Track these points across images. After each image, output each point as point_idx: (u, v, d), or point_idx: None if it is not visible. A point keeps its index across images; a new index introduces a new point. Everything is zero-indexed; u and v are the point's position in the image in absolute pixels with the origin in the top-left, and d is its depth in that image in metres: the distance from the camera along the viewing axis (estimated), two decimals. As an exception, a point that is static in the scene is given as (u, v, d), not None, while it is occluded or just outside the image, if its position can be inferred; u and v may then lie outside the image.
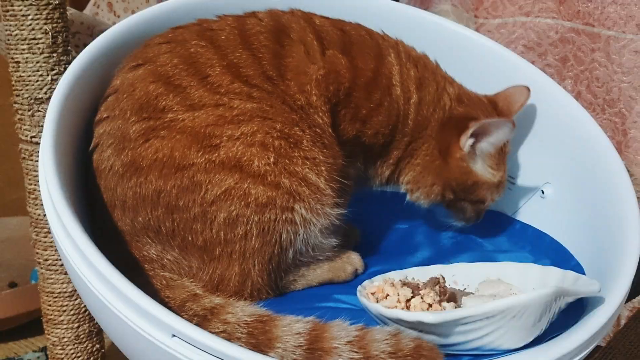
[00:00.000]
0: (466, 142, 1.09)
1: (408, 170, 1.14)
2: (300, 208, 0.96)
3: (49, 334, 1.34)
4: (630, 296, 1.04)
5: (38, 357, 1.75)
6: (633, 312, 1.35)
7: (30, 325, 1.78)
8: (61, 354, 1.34)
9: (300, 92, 1.01)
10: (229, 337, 0.85)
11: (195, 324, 0.86)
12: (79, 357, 1.35)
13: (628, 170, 1.40)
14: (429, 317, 0.81)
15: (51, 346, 1.35)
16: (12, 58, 1.23)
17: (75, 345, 1.34)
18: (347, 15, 1.15)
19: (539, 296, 0.82)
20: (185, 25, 1.06)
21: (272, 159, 0.94)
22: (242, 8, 1.09)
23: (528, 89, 1.19)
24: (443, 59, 1.18)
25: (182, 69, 0.97)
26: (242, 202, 0.93)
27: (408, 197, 1.16)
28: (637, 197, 1.38)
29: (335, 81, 1.04)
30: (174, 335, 0.78)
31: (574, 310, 0.93)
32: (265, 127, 0.94)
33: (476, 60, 1.27)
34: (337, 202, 1.00)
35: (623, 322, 1.41)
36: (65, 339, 1.33)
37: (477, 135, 1.10)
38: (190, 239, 0.95)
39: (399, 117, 1.10)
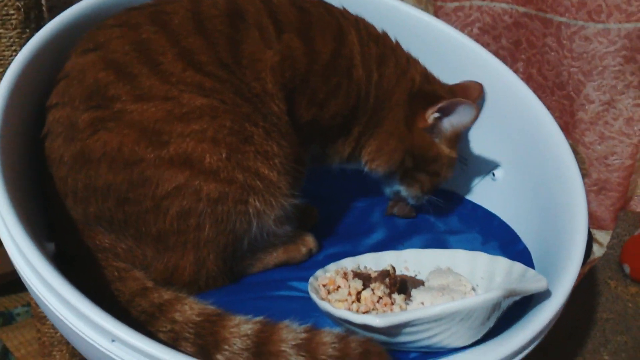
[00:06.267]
0: (432, 115, 0.97)
1: (373, 140, 0.99)
2: (254, 201, 0.82)
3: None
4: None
5: (26, 311, 1.63)
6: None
7: (18, 281, 1.64)
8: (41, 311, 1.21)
9: (256, 79, 0.86)
10: (177, 337, 0.72)
11: (143, 321, 0.73)
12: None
13: (575, 149, 1.26)
14: (375, 321, 0.68)
15: (34, 305, 1.22)
16: (-13, 34, 1.13)
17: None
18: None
19: (486, 300, 0.69)
20: (140, 6, 0.88)
21: (224, 155, 0.79)
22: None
23: (481, 86, 1.07)
24: (401, 41, 1.03)
25: (133, 57, 0.81)
26: (194, 197, 0.79)
27: (366, 168, 1.01)
28: (583, 175, 1.25)
29: (291, 67, 0.88)
30: (113, 340, 0.65)
31: (520, 302, 0.80)
32: (215, 125, 0.79)
33: (432, 43, 1.12)
34: (290, 192, 0.86)
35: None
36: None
37: (442, 113, 0.98)
38: (143, 229, 0.81)
39: (360, 97, 0.95)
